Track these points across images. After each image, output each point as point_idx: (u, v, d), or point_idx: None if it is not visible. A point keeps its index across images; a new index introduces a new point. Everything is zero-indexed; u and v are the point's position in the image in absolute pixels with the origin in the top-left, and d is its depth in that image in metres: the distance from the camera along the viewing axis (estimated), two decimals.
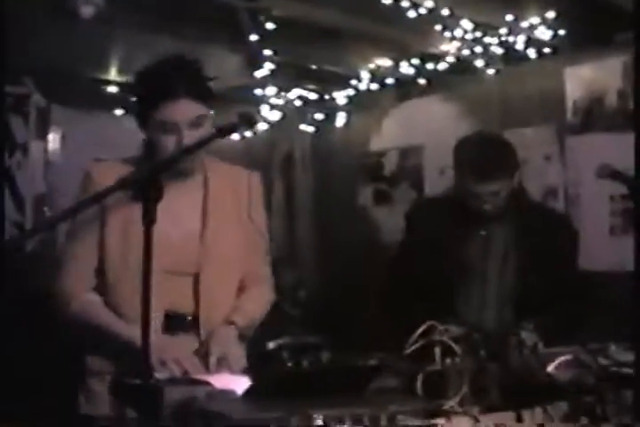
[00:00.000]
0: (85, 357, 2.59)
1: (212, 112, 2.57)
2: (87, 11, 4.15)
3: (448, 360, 2.33)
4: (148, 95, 2.52)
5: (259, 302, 2.80)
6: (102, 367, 2.53)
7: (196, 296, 2.61)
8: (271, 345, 2.78)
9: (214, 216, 2.67)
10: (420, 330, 2.38)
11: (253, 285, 2.77)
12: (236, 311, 2.67)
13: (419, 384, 2.24)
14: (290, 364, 2.52)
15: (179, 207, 2.55)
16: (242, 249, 2.73)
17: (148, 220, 1.92)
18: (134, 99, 2.60)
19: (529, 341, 2.64)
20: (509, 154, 3.44)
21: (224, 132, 2.20)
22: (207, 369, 2.43)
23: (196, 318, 2.61)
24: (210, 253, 2.63)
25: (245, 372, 2.38)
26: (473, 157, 3.37)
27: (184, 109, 2.48)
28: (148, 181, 1.95)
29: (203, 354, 2.52)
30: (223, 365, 2.46)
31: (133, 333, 2.34)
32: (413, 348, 2.36)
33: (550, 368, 2.39)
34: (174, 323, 2.59)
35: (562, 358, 2.42)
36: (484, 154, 3.38)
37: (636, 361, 2.33)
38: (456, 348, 2.34)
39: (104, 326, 2.52)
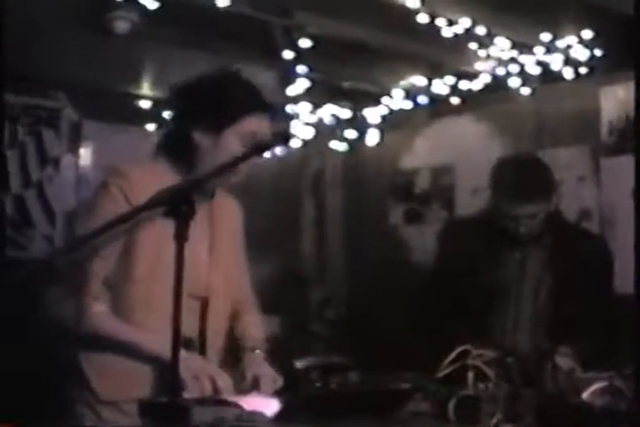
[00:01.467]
0: (91, 384, 2.53)
1: None
2: (122, 26, 4.16)
3: (481, 385, 2.29)
4: (234, 105, 2.56)
5: (259, 328, 2.84)
6: (116, 396, 2.48)
7: (203, 320, 2.62)
8: (299, 365, 2.74)
9: (219, 242, 2.70)
10: (454, 354, 2.35)
11: (246, 309, 2.84)
12: (248, 339, 2.73)
13: (451, 409, 2.20)
14: (318, 384, 2.49)
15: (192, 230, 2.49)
16: (237, 276, 2.80)
17: (181, 237, 1.90)
18: (207, 107, 2.58)
19: (565, 366, 2.60)
20: (548, 177, 3.41)
21: (259, 149, 2.19)
22: (239, 391, 2.42)
23: (202, 339, 2.62)
24: (218, 279, 2.66)
25: (275, 394, 2.36)
26: (511, 179, 3.34)
27: (266, 123, 2.57)
28: (182, 197, 1.93)
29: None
30: (255, 386, 2.47)
31: (153, 342, 2.33)
32: (446, 372, 2.33)
33: (585, 395, 2.34)
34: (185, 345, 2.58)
35: (597, 386, 2.37)
36: (522, 176, 3.35)
37: None
38: (490, 373, 2.30)
39: (122, 337, 2.48)
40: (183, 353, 2.06)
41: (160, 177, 2.47)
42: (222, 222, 2.73)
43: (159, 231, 2.40)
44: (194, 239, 2.45)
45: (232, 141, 2.52)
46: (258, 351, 2.66)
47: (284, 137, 2.22)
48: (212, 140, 2.54)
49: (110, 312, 2.52)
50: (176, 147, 2.61)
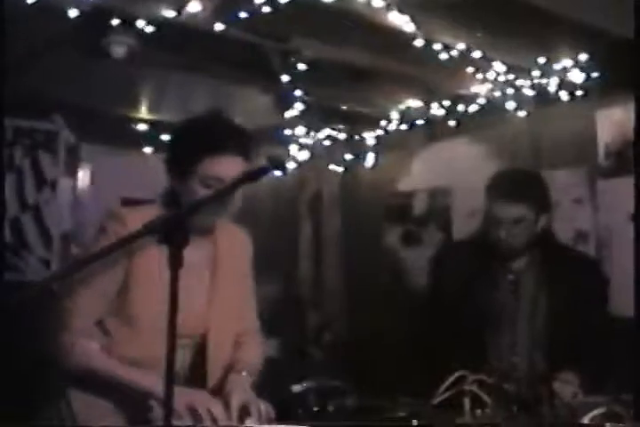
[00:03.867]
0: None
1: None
2: (119, 51, 4.17)
3: (478, 411, 2.28)
4: (194, 148, 2.49)
5: (256, 356, 2.79)
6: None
7: (199, 358, 2.59)
8: (296, 389, 2.73)
9: (222, 276, 2.67)
10: (450, 380, 2.34)
11: (247, 340, 2.79)
12: (239, 363, 2.67)
13: None
14: (315, 408, 2.48)
15: (189, 265, 2.20)
16: (241, 307, 2.77)
17: (175, 265, 1.89)
18: (174, 150, 2.57)
19: (565, 391, 2.58)
20: (539, 185, 3.42)
21: (254, 175, 2.17)
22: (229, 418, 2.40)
23: (203, 374, 2.59)
24: (218, 315, 2.63)
25: (271, 422, 2.34)
26: (501, 182, 3.36)
27: (231, 165, 2.47)
28: (175, 225, 1.92)
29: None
30: (245, 414, 2.43)
31: (145, 379, 2.32)
32: (442, 398, 2.32)
33: (584, 421, 2.33)
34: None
35: (595, 412, 2.36)
36: (513, 178, 3.38)
37: None
38: (486, 398, 2.29)
39: (117, 374, 2.45)
40: (177, 387, 2.03)
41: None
42: (226, 257, 2.70)
43: (152, 264, 2.40)
44: (191, 274, 2.39)
45: (195, 186, 2.48)
46: (244, 374, 2.61)
47: (279, 162, 2.20)
48: (181, 185, 2.53)
49: (102, 349, 2.50)
50: (163, 191, 2.61)
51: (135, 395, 2.39)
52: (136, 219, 2.46)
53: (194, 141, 2.51)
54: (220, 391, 2.53)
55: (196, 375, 2.59)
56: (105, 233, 2.51)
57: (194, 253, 2.35)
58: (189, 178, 2.49)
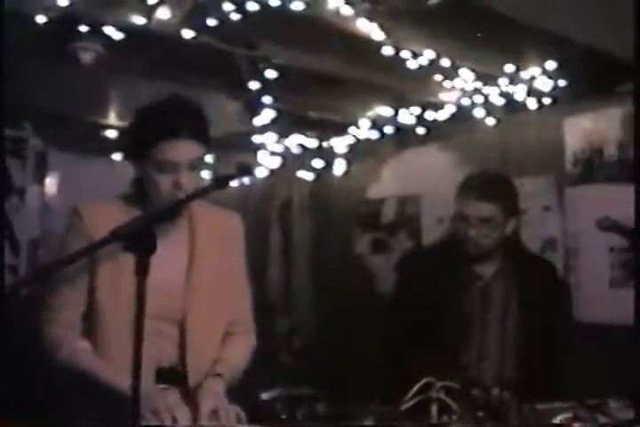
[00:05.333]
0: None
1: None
2: (87, 56, 4.15)
3: (445, 418, 2.28)
4: (148, 133, 2.48)
5: (242, 351, 2.76)
6: None
7: (182, 345, 2.57)
8: (264, 396, 2.72)
9: (200, 262, 2.63)
10: (417, 387, 2.34)
11: (237, 332, 2.74)
12: (220, 363, 2.63)
13: None
14: (284, 416, 2.47)
15: (164, 253, 2.25)
16: (228, 295, 2.70)
17: (142, 271, 1.88)
18: (130, 136, 2.57)
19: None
20: (509, 189, 3.46)
21: (221, 182, 2.17)
22: (196, 422, 2.39)
23: (183, 367, 2.57)
24: (196, 301, 2.59)
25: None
26: (470, 182, 3.39)
27: (185, 149, 2.45)
28: (141, 232, 1.92)
29: (192, 406, 2.48)
30: (214, 418, 2.41)
31: (123, 382, 2.31)
32: (409, 405, 2.32)
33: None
34: (165, 374, 2.55)
35: (560, 417, 2.38)
36: (485, 179, 3.41)
37: (636, 419, 2.28)
38: (453, 405, 2.29)
39: (94, 374, 2.46)
40: (146, 388, 2.03)
41: (114, 213, 2.45)
42: (209, 240, 2.67)
43: (119, 264, 2.40)
44: (167, 262, 2.45)
45: (151, 172, 2.47)
46: (219, 379, 2.57)
47: (246, 169, 2.21)
48: (138, 170, 2.53)
49: (91, 348, 2.51)
50: (130, 181, 2.61)
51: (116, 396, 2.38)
52: (92, 213, 2.50)
53: (148, 126, 2.49)
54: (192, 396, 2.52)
55: (179, 372, 2.57)
56: (69, 229, 2.54)
57: (168, 240, 2.38)
58: (146, 164, 2.47)
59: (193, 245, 2.64)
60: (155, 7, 3.96)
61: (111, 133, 5.75)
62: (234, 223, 2.81)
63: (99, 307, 2.51)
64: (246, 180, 6.35)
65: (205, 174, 4.75)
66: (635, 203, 3.05)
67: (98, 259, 2.49)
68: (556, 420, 2.37)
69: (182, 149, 2.45)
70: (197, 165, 2.49)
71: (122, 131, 5.74)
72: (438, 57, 4.61)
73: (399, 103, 5.63)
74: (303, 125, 6.06)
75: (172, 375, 2.56)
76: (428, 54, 4.57)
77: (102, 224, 2.20)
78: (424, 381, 2.37)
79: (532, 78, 4.94)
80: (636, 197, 3.10)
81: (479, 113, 5.34)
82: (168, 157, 2.44)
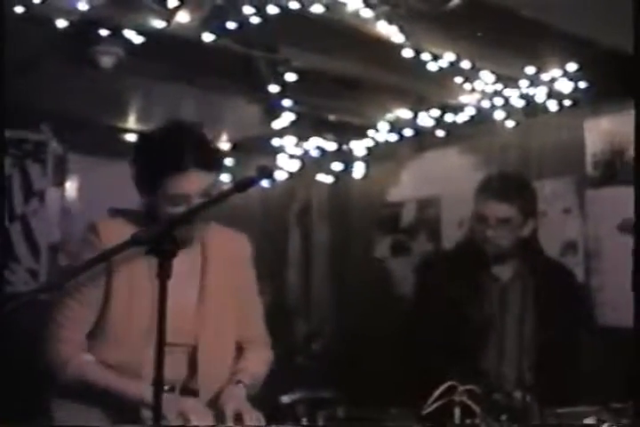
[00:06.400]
0: None
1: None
2: (107, 60, 4.16)
3: (468, 421, 2.27)
4: (153, 168, 2.43)
5: (260, 362, 2.77)
6: None
7: (193, 367, 2.57)
8: (285, 400, 2.72)
9: (212, 284, 2.63)
10: (440, 390, 2.33)
11: (251, 346, 2.76)
12: (239, 372, 2.65)
13: None
14: (304, 419, 2.47)
15: (177, 277, 2.17)
16: (239, 314, 2.71)
17: (164, 275, 1.88)
18: (136, 170, 2.51)
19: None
20: (528, 190, 3.45)
21: (242, 186, 2.16)
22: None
23: (194, 386, 2.57)
24: (207, 323, 2.60)
25: None
26: (494, 181, 3.39)
27: (195, 181, 2.41)
28: (163, 236, 1.91)
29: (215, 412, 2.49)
30: (238, 423, 2.42)
31: (135, 389, 2.32)
32: (432, 408, 2.31)
33: None
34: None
35: (585, 421, 2.36)
36: (504, 180, 3.41)
37: None
38: (476, 409, 2.28)
39: (109, 384, 2.45)
40: (169, 395, 2.03)
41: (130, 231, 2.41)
42: (217, 263, 2.66)
43: (136, 276, 2.40)
44: (178, 285, 2.31)
45: (162, 204, 2.43)
46: (240, 385, 2.59)
47: (267, 172, 2.20)
48: (150, 201, 2.49)
49: (96, 361, 2.49)
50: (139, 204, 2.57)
51: (128, 404, 2.39)
52: (109, 230, 2.46)
53: (152, 161, 2.44)
54: (214, 404, 2.52)
55: (191, 389, 2.57)
56: (85, 244, 2.52)
57: (181, 262, 2.35)
58: (157, 195, 2.44)
59: (205, 268, 2.64)
60: (175, 11, 3.97)
61: (130, 137, 5.76)
62: (241, 244, 2.80)
63: (111, 321, 2.50)
64: (265, 183, 6.34)
65: (225, 177, 4.77)
66: (635, 203, 3.02)
67: (112, 267, 2.47)
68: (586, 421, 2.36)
69: (191, 181, 2.40)
70: (210, 191, 2.44)
71: (140, 134, 5.74)
72: (458, 59, 4.60)
73: (418, 106, 5.61)
74: (322, 128, 6.06)
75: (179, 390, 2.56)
76: (448, 56, 4.56)
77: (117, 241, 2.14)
78: (447, 384, 2.36)
79: (553, 80, 4.92)
80: (636, 197, 3.08)
81: (499, 115, 5.32)
82: (178, 191, 2.40)
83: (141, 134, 2.57)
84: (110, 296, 2.49)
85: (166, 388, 2.38)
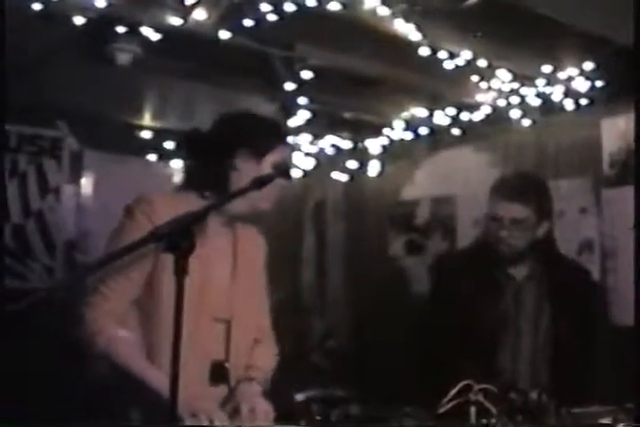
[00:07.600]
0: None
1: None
2: (124, 57, 4.17)
3: (484, 420, 2.27)
4: (276, 135, 2.70)
5: (269, 357, 2.85)
6: None
7: (227, 343, 2.64)
8: (299, 398, 2.72)
9: (242, 266, 2.73)
10: (456, 389, 2.33)
11: (261, 340, 2.84)
12: (252, 369, 2.72)
13: None
14: (318, 417, 2.47)
15: (213, 254, 2.59)
16: (260, 301, 2.83)
17: (181, 272, 1.89)
18: (255, 136, 2.68)
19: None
20: (544, 191, 3.43)
21: (260, 182, 2.17)
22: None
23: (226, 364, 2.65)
24: (239, 301, 2.67)
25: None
26: (508, 181, 3.38)
27: (289, 154, 2.85)
28: (180, 233, 1.92)
29: (230, 407, 2.54)
30: (251, 419, 2.45)
31: (156, 377, 2.33)
32: (447, 407, 2.30)
33: None
34: (218, 372, 2.62)
35: (601, 421, 2.35)
36: (519, 180, 3.40)
37: None
38: (492, 408, 2.27)
39: (126, 365, 2.47)
40: (184, 392, 2.04)
41: (185, 204, 2.39)
42: (245, 253, 2.76)
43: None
44: (217, 263, 2.61)
45: (266, 168, 2.57)
46: (255, 382, 2.65)
47: (285, 170, 2.22)
48: (253, 166, 2.59)
49: (132, 340, 2.51)
50: (210, 175, 2.64)
51: (145, 394, 2.41)
52: (165, 202, 2.49)
53: (272, 128, 2.74)
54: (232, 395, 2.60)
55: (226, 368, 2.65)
56: (131, 214, 2.54)
57: (220, 239, 2.56)
58: (264, 161, 2.62)
59: (237, 254, 2.73)
60: (192, 8, 3.98)
61: (146, 134, 5.76)
62: (261, 241, 2.93)
63: (156, 297, 2.52)
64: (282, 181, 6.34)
65: None
66: (635, 203, 3.02)
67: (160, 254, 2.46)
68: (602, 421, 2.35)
69: (289, 153, 2.86)
70: None
71: (156, 131, 5.74)
72: (475, 57, 4.59)
73: (434, 104, 5.61)
74: (338, 126, 6.06)
75: (221, 371, 2.63)
76: (465, 55, 4.55)
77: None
78: (463, 383, 2.36)
79: (570, 79, 4.90)
80: (635, 197, 3.07)
81: (515, 114, 5.31)
82: (284, 158, 2.67)
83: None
84: (154, 277, 2.52)
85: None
